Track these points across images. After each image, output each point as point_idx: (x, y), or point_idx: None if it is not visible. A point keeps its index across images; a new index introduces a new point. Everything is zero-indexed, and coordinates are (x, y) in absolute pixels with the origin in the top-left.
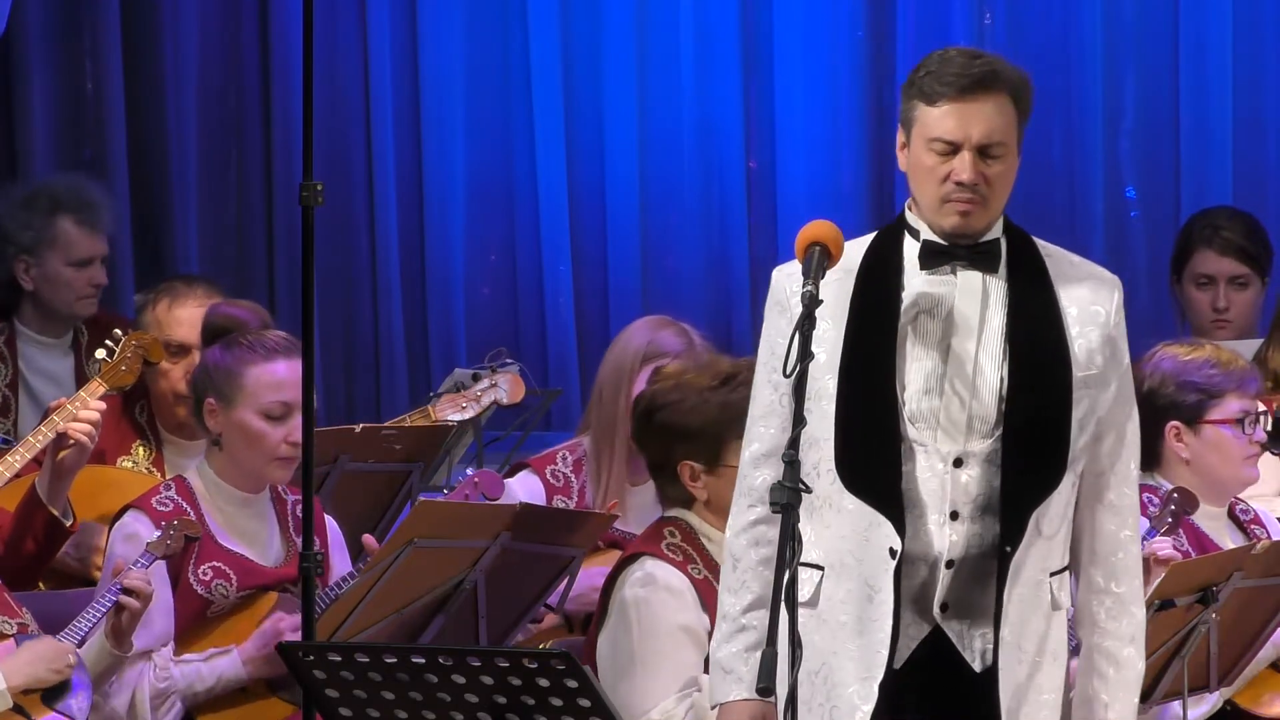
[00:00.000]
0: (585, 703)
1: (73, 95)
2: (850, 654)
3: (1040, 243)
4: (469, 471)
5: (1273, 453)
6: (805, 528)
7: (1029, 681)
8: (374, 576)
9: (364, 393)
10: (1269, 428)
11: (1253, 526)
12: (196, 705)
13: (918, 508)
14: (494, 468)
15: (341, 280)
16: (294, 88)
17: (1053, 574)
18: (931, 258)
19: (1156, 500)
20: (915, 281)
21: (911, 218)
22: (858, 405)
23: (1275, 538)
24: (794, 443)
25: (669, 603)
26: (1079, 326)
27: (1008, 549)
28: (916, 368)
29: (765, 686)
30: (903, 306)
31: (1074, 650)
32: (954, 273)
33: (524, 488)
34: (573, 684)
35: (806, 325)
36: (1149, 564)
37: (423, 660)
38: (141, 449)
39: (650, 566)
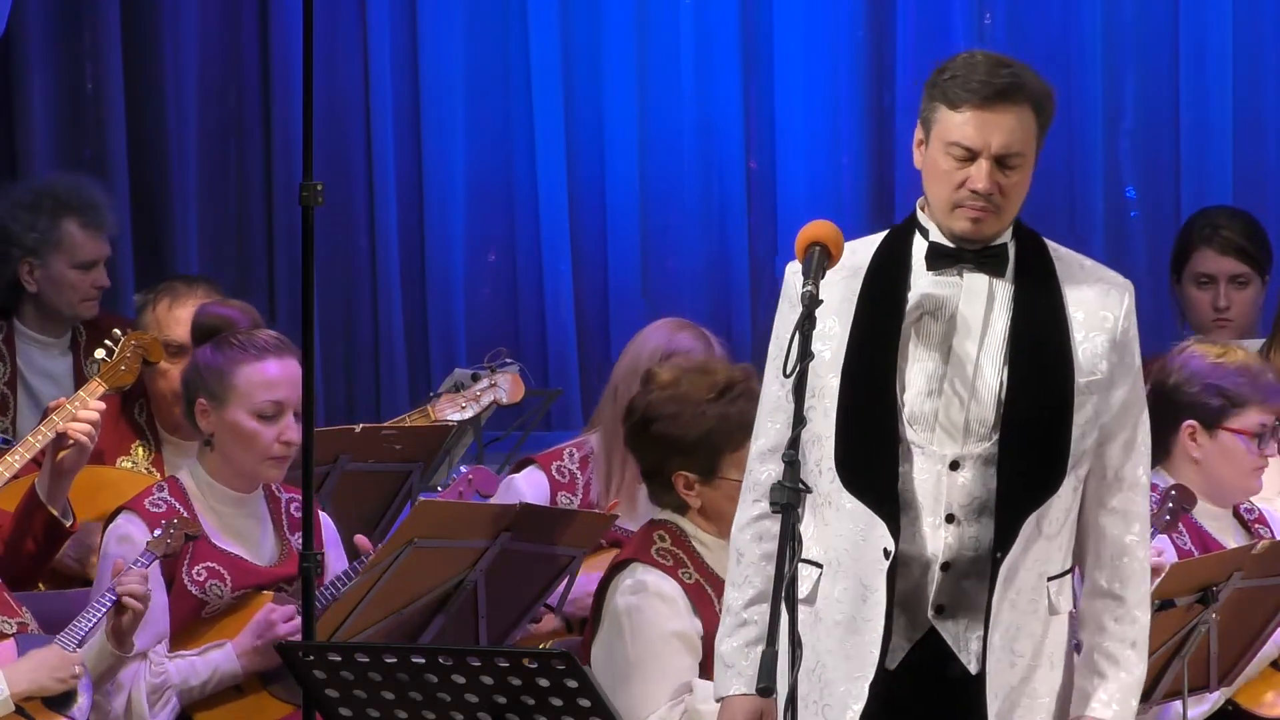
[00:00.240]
0: (585, 703)
1: (73, 95)
2: (843, 653)
3: (1052, 245)
4: (463, 469)
5: None
6: (807, 524)
7: (1022, 685)
8: (374, 576)
9: (364, 393)
10: None
11: (1257, 526)
12: (192, 702)
13: (913, 509)
14: (494, 467)
15: (341, 280)
16: (294, 88)
17: (1051, 578)
18: (938, 259)
19: (1155, 496)
20: (921, 282)
21: (922, 217)
22: (858, 405)
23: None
24: (794, 442)
25: (661, 610)
26: (1084, 331)
27: (999, 554)
28: (918, 369)
29: (765, 686)
30: (907, 307)
31: (1075, 650)
32: (960, 275)
33: (529, 484)
34: (573, 684)
35: (806, 325)
36: None
37: (423, 660)
38: (141, 449)
39: (641, 574)
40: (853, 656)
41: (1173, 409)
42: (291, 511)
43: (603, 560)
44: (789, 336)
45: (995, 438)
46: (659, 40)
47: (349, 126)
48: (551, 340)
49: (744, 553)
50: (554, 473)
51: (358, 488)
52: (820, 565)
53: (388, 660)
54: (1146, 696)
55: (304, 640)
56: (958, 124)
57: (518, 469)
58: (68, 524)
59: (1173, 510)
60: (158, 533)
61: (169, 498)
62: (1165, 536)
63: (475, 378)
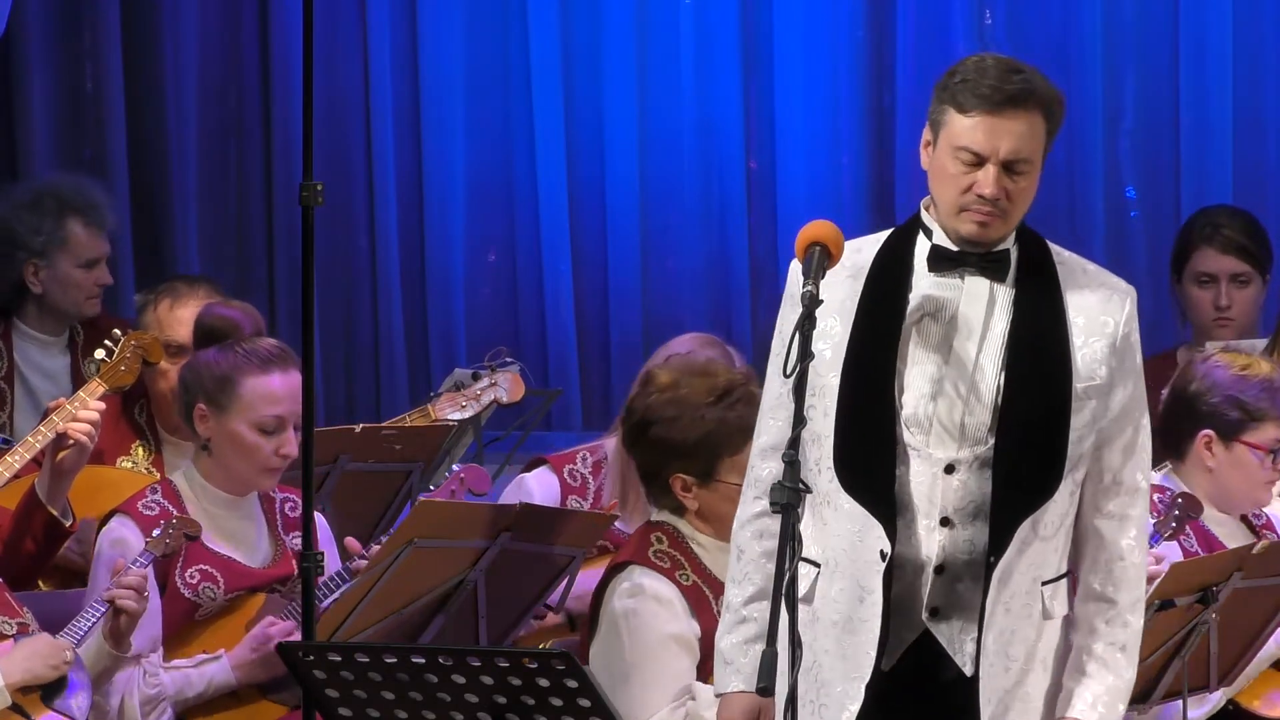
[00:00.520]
0: (585, 703)
1: (73, 95)
2: (840, 653)
3: (1055, 249)
4: (455, 468)
5: None
6: (807, 523)
7: (1017, 688)
8: (374, 576)
9: (364, 393)
10: None
11: (1265, 531)
12: (187, 710)
13: (909, 512)
14: (493, 468)
15: (341, 280)
16: (294, 88)
17: (1045, 583)
18: (940, 262)
19: (1163, 503)
20: (923, 284)
21: (927, 217)
22: (857, 406)
23: None
24: (794, 442)
25: (658, 613)
26: (1084, 336)
27: (992, 558)
28: (916, 371)
29: (765, 686)
30: (908, 309)
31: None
32: (961, 277)
33: (540, 484)
34: (573, 684)
35: (806, 325)
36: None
37: (423, 660)
38: (141, 449)
39: (638, 576)
40: (849, 657)
41: (1191, 416)
42: (286, 511)
43: (605, 563)
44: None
45: (991, 441)
46: (659, 40)
47: (349, 126)
48: (551, 340)
49: (744, 549)
50: (566, 476)
51: (358, 488)
52: (818, 565)
53: (388, 660)
54: (1146, 696)
55: (304, 640)
56: (967, 129)
57: (529, 468)
58: (67, 524)
59: (1179, 518)
60: (157, 533)
61: (162, 500)
62: (1170, 543)
63: (475, 377)
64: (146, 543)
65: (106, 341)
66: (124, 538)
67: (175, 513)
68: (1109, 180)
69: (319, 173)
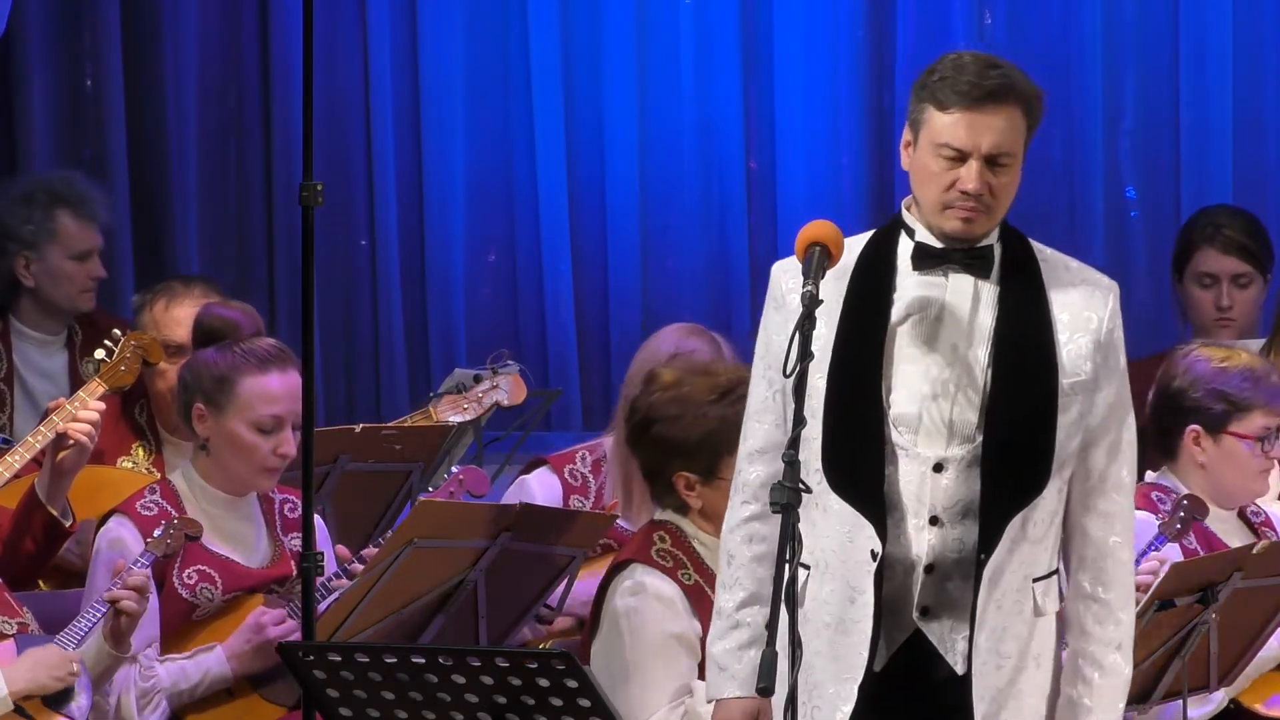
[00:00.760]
0: (585, 703)
1: (72, 95)
2: (832, 654)
3: (1037, 246)
4: (454, 469)
5: None
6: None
7: (1010, 686)
8: (374, 577)
9: (364, 393)
10: None
11: (1264, 529)
12: (182, 705)
13: (898, 511)
14: (493, 468)
15: (341, 280)
16: (294, 88)
17: (1036, 580)
18: (924, 259)
19: (1169, 503)
20: (907, 283)
21: (909, 217)
22: (844, 406)
23: None
24: (794, 443)
25: (660, 612)
26: (1069, 332)
27: (982, 556)
28: (903, 370)
29: (765, 686)
30: (893, 308)
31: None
32: (945, 275)
33: (541, 485)
34: (573, 684)
35: (807, 325)
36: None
37: (423, 660)
38: (141, 450)
39: (640, 575)
40: (841, 658)
41: (1177, 413)
42: (285, 512)
43: (608, 561)
44: (778, 335)
45: (979, 439)
46: (659, 40)
47: (349, 126)
48: (551, 340)
49: (734, 554)
50: (566, 475)
51: (358, 488)
52: (808, 566)
53: (388, 660)
54: (1146, 696)
55: (304, 640)
56: (947, 125)
57: (529, 469)
58: (67, 524)
59: (1184, 520)
60: (158, 533)
61: (161, 500)
62: (1173, 544)
63: (477, 379)
64: (147, 543)
65: (106, 342)
66: (122, 538)
67: (174, 513)
68: (1109, 180)
69: (319, 173)
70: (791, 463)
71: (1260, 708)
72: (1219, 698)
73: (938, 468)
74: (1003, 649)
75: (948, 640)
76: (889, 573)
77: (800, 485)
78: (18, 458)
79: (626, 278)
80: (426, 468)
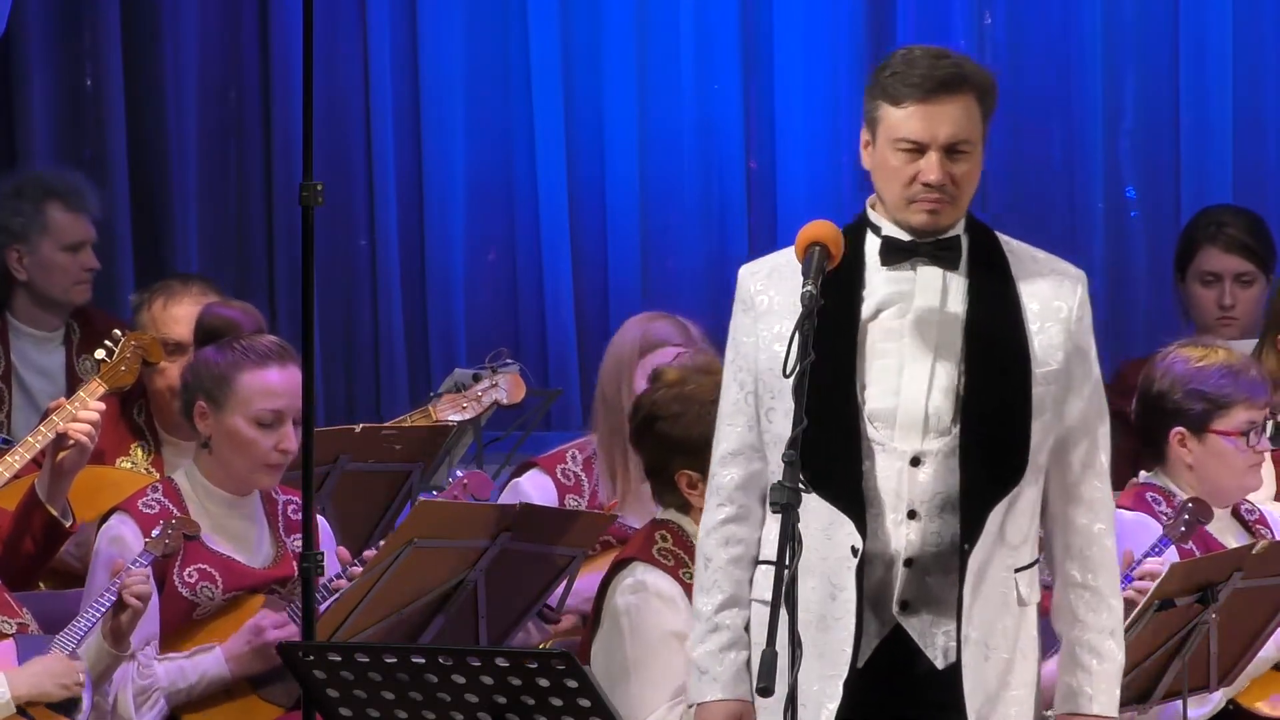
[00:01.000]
0: (585, 703)
1: (72, 94)
2: (815, 651)
3: (1004, 238)
4: (458, 473)
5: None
6: (769, 525)
7: (999, 679)
8: (374, 577)
9: (364, 393)
10: (1270, 434)
11: (1258, 527)
12: (179, 705)
13: (876, 506)
14: (493, 468)
15: (341, 280)
16: (294, 88)
17: (1018, 570)
18: (892, 254)
19: (1164, 503)
20: (876, 279)
21: (874, 215)
22: (820, 405)
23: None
24: (794, 443)
25: (661, 610)
26: (1039, 322)
27: (966, 547)
28: (877, 365)
29: (765, 687)
30: (864, 305)
31: (1049, 647)
32: (914, 269)
33: (535, 487)
34: (573, 684)
35: (807, 325)
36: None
37: (423, 660)
38: (140, 450)
39: (641, 573)
40: (825, 655)
41: (1160, 416)
42: (288, 514)
43: (610, 560)
44: (746, 337)
45: (955, 432)
46: (659, 40)
47: (349, 126)
48: (551, 340)
49: (711, 557)
50: (559, 476)
51: (358, 488)
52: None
53: (388, 660)
54: (1146, 696)
55: (304, 640)
56: (902, 119)
57: (519, 472)
58: (67, 524)
59: (1188, 523)
60: (156, 532)
61: (163, 499)
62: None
63: (476, 378)
64: (146, 543)
65: (106, 342)
66: (122, 535)
67: (175, 512)
68: (1109, 180)
69: (319, 173)
70: (791, 462)
71: (1261, 705)
72: (1217, 698)
73: (915, 461)
74: (991, 642)
75: (928, 635)
76: (869, 568)
77: (800, 485)
78: (18, 458)
79: (626, 278)
80: (426, 468)
